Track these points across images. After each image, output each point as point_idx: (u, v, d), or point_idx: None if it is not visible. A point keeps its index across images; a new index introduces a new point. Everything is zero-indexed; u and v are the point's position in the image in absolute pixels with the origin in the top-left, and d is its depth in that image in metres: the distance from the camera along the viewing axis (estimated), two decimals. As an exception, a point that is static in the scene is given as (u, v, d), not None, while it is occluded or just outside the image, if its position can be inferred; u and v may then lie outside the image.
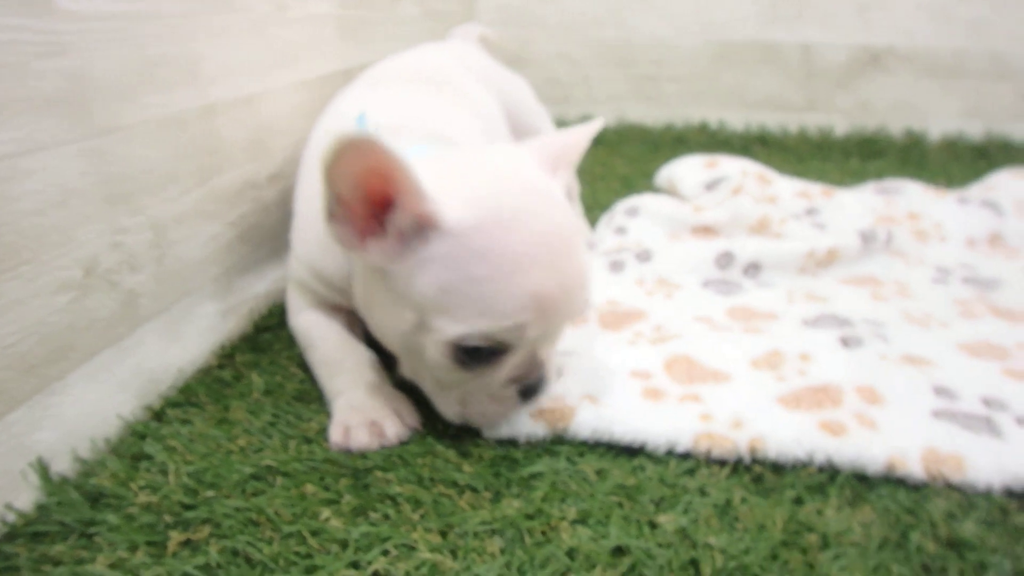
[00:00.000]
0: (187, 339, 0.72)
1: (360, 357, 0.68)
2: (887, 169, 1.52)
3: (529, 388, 0.59)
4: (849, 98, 1.77)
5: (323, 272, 0.69)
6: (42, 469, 0.56)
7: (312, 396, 0.69)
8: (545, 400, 0.64)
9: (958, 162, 1.57)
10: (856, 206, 1.15)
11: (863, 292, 0.89)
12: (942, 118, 1.74)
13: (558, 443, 0.62)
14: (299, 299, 0.74)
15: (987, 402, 0.64)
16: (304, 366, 0.74)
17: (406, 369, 0.63)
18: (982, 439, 0.59)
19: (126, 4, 0.60)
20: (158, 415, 0.67)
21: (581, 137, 0.63)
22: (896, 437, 0.59)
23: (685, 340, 0.76)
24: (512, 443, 0.62)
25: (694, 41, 1.77)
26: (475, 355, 0.55)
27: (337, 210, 0.52)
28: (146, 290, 0.66)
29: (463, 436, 0.63)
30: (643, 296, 0.88)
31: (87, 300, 0.60)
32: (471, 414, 0.60)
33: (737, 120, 1.79)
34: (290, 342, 0.79)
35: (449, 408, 0.61)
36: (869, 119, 1.76)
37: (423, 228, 0.52)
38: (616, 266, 0.96)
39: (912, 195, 1.21)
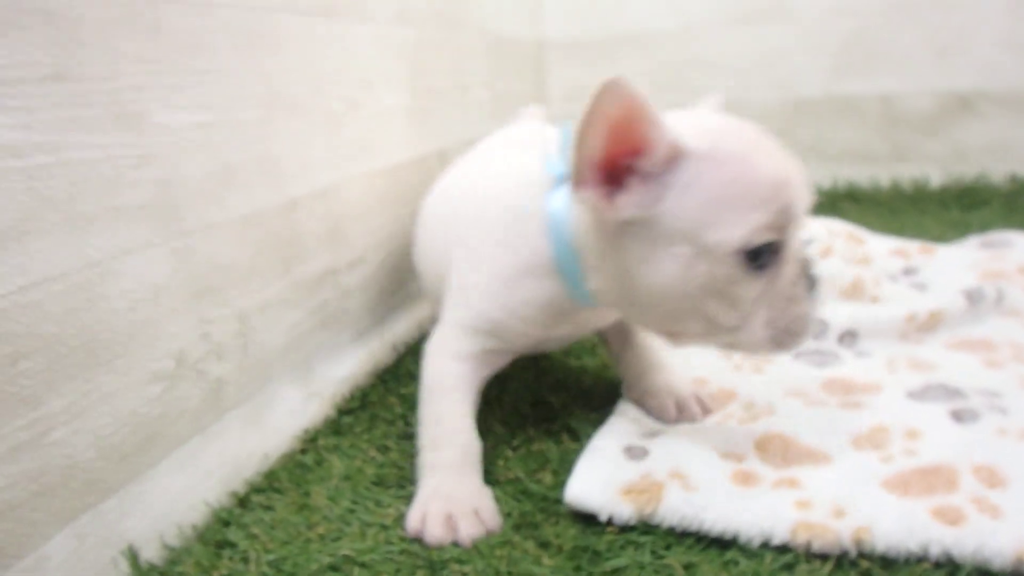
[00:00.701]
0: (270, 424, 0.73)
1: (469, 439, 0.67)
2: (992, 219, 1.42)
3: (811, 276, 0.60)
4: (941, 146, 1.68)
5: (506, 328, 0.69)
6: (132, 557, 0.57)
7: (391, 480, 0.69)
8: (631, 473, 0.62)
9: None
10: (959, 262, 1.08)
11: (974, 358, 0.82)
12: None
13: (644, 533, 0.59)
14: (460, 341, 0.70)
15: None
16: (383, 448, 0.74)
17: (685, 338, 0.62)
18: None
19: (210, 115, 0.65)
20: (242, 501, 0.67)
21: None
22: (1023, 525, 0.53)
23: (778, 417, 0.71)
24: (594, 530, 0.59)
25: (766, 98, 1.74)
26: (761, 256, 0.56)
27: (586, 173, 0.55)
28: (232, 378, 0.68)
29: (542, 523, 0.61)
30: (731, 371, 0.84)
31: (176, 390, 0.62)
32: (779, 331, 0.59)
33: (822, 175, 1.73)
34: (370, 424, 0.79)
35: (755, 336, 0.59)
36: (967, 167, 1.67)
37: (672, 162, 0.56)
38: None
39: (1022, 248, 1.13)
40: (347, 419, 0.81)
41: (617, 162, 0.56)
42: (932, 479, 0.59)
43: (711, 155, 0.56)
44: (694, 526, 0.58)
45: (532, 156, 0.70)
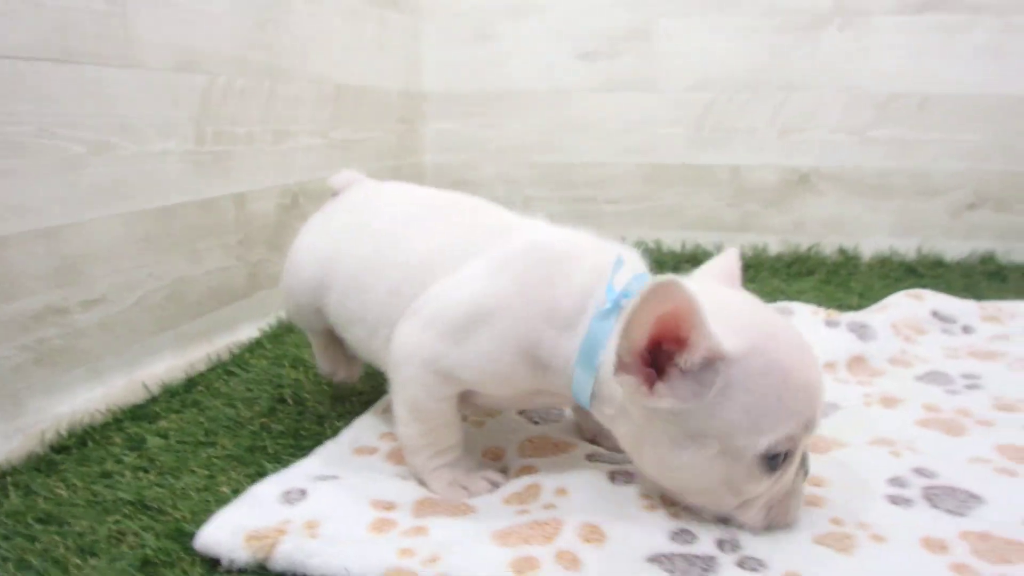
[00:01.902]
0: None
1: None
2: (810, 288, 1.48)
3: (807, 467, 0.64)
4: (782, 218, 1.76)
5: (498, 387, 0.69)
6: None
7: (56, 517, 0.70)
8: (267, 519, 0.63)
9: (886, 280, 1.52)
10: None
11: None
12: (874, 236, 1.71)
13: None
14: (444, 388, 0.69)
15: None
16: (74, 488, 0.75)
17: (693, 499, 0.63)
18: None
19: None
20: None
21: (735, 262, 0.71)
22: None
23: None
24: (221, 571, 0.61)
25: (628, 164, 1.81)
26: (777, 459, 0.59)
27: (628, 360, 0.57)
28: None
29: (177, 562, 0.62)
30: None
31: None
32: (776, 516, 0.63)
33: (674, 239, 1.80)
34: (79, 462, 0.80)
35: (756, 519, 0.62)
36: (803, 238, 1.74)
37: (711, 363, 0.56)
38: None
39: (799, 318, 1.18)
40: (58, 456, 0.82)
41: (660, 348, 0.57)
42: (534, 532, 0.62)
43: (750, 361, 0.57)
44: (300, 570, 0.60)
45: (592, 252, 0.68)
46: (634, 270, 0.67)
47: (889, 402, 0.90)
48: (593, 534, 0.61)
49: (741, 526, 0.63)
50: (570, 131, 1.83)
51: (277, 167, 1.26)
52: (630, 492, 0.69)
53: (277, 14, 1.23)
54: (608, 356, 0.61)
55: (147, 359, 1.00)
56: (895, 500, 0.68)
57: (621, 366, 0.58)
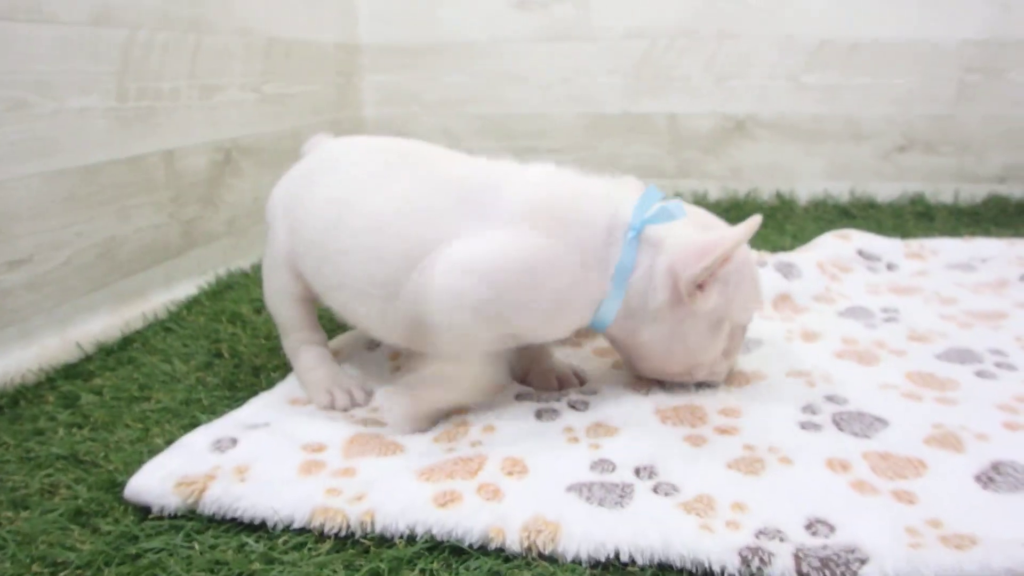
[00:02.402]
0: None
1: None
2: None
3: None
4: (720, 164, 1.79)
5: (548, 333, 0.74)
6: None
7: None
8: (198, 466, 0.64)
9: (820, 222, 1.57)
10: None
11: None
12: (809, 180, 1.75)
13: (189, 519, 0.62)
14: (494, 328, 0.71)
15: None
16: None
17: (680, 373, 0.78)
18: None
19: None
20: None
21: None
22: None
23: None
24: (151, 518, 0.62)
25: (568, 114, 1.81)
26: None
27: (706, 279, 0.71)
28: None
29: (110, 511, 0.63)
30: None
31: None
32: (723, 366, 0.79)
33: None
34: (11, 420, 0.80)
35: (723, 366, 0.79)
36: (741, 184, 1.78)
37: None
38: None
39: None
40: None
41: None
42: (458, 467, 0.64)
43: (739, 262, 0.74)
44: (229, 514, 0.61)
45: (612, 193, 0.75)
46: (638, 194, 0.75)
47: (809, 336, 0.95)
48: (516, 467, 0.64)
49: (711, 378, 0.79)
50: (509, 82, 1.82)
51: (207, 123, 1.23)
52: (554, 427, 0.72)
53: (200, -37, 1.20)
54: (639, 276, 0.72)
55: (80, 318, 0.99)
56: (805, 426, 0.72)
57: (698, 283, 0.71)
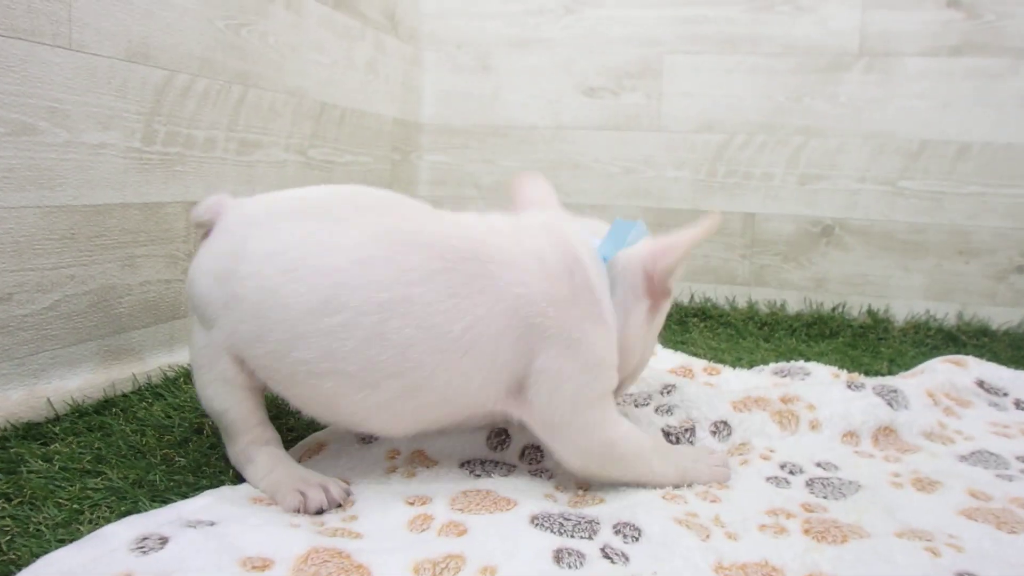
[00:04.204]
0: None
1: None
2: (832, 351, 1.32)
3: None
4: (802, 272, 1.60)
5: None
6: None
7: None
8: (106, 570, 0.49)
9: (922, 347, 1.35)
10: (732, 386, 0.97)
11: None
12: (906, 298, 1.54)
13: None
14: (613, 409, 0.72)
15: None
16: None
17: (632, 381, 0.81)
18: None
19: None
20: None
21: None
22: None
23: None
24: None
25: (631, 207, 1.68)
26: None
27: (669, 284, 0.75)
28: None
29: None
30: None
31: None
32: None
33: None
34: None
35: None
36: (826, 297, 1.58)
37: None
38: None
39: (815, 378, 1.02)
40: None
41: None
42: None
43: None
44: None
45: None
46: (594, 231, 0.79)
47: (924, 484, 0.73)
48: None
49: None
50: (570, 170, 1.72)
51: (241, 178, 1.15)
52: None
53: (252, 18, 1.15)
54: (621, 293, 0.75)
55: (57, 371, 0.87)
56: (927, 610, 0.51)
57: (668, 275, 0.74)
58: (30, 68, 0.80)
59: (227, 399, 0.71)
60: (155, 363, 1.00)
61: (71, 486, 0.69)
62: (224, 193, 0.77)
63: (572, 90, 1.71)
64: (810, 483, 0.73)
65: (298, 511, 0.64)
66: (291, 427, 0.87)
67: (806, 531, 0.62)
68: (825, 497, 0.70)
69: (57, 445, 0.78)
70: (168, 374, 1.01)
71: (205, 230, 0.75)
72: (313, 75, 1.32)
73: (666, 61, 1.64)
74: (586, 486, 0.71)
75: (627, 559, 0.56)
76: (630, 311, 0.73)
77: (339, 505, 0.65)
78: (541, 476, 0.73)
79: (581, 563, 0.55)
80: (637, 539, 0.59)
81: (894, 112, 1.53)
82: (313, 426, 0.86)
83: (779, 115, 1.59)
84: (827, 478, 0.74)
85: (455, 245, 0.67)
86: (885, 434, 0.85)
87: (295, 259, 0.66)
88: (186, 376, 1.01)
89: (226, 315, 0.69)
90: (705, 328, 1.48)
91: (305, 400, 0.70)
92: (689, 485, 0.71)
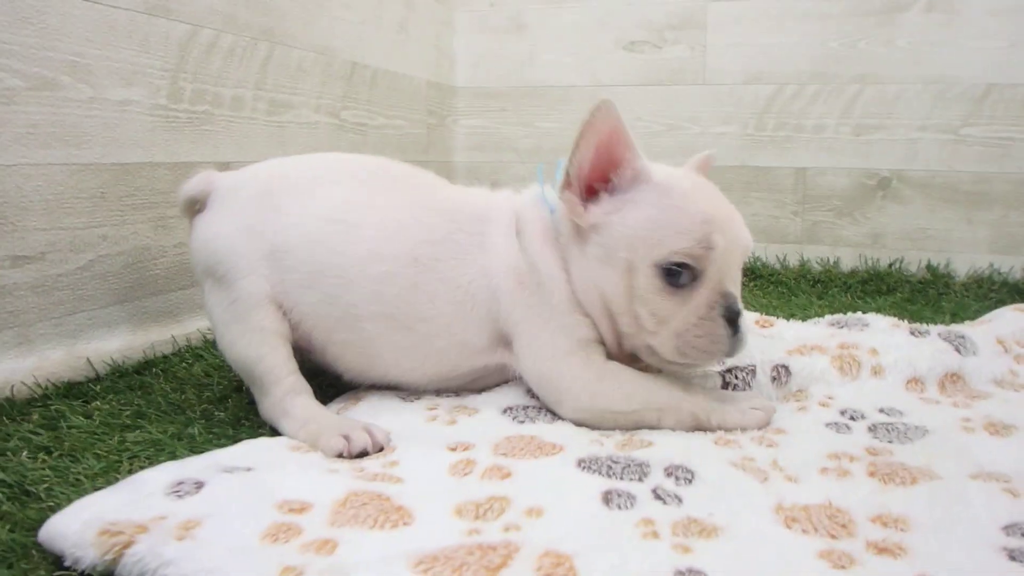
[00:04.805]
0: None
1: None
2: (889, 307, 1.26)
3: (731, 309, 0.66)
4: (857, 229, 1.53)
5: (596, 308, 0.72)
6: None
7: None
8: (138, 513, 0.47)
9: (985, 302, 1.28)
10: (787, 336, 0.92)
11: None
12: (969, 252, 1.45)
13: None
14: (591, 360, 0.71)
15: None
16: None
17: (628, 331, 0.70)
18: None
19: None
20: None
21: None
22: None
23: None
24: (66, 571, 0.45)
25: (676, 163, 1.62)
26: (678, 276, 0.66)
27: (573, 179, 0.68)
28: None
29: (31, 558, 0.47)
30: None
31: None
32: (685, 344, 0.67)
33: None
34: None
35: (667, 345, 0.67)
36: (883, 253, 1.51)
37: (634, 183, 0.68)
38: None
39: (874, 328, 0.96)
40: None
41: (597, 180, 0.69)
42: (473, 559, 0.44)
43: (661, 185, 0.68)
44: (151, 581, 0.44)
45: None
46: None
47: (998, 429, 0.68)
48: (559, 568, 0.43)
49: (662, 356, 0.68)
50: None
51: (272, 139, 1.13)
52: (626, 518, 0.50)
53: (277, -28, 1.13)
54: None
55: (96, 332, 0.87)
56: (1015, 555, 0.47)
57: (567, 185, 0.68)
58: (48, 19, 0.79)
59: (262, 347, 0.71)
60: (193, 325, 1.00)
61: (110, 439, 0.68)
62: (211, 168, 0.83)
63: (611, 46, 1.65)
64: (873, 428, 0.68)
65: (341, 455, 0.62)
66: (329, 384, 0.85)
67: (871, 473, 0.58)
68: (890, 441, 0.66)
69: (97, 402, 0.78)
70: (208, 336, 1.01)
71: (199, 205, 0.77)
72: (341, 33, 1.29)
73: (710, 10, 1.57)
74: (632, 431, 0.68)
75: (680, 500, 0.52)
76: (571, 254, 0.71)
77: (381, 449, 0.63)
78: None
79: (631, 504, 0.52)
80: (690, 481, 0.55)
81: (957, 55, 1.43)
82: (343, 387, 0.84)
83: (832, 63, 1.51)
84: (891, 423, 0.69)
85: (464, 210, 0.76)
86: (952, 381, 0.80)
87: (340, 214, 0.74)
88: (225, 338, 1.00)
89: (268, 265, 0.73)
90: (755, 287, 1.42)
91: (346, 346, 0.74)
92: (728, 429, 0.67)
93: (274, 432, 0.71)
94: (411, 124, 1.55)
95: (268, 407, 0.71)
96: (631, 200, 0.67)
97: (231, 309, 0.72)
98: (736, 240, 0.68)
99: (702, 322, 0.66)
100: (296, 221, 0.73)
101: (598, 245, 0.68)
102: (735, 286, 0.68)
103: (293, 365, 0.72)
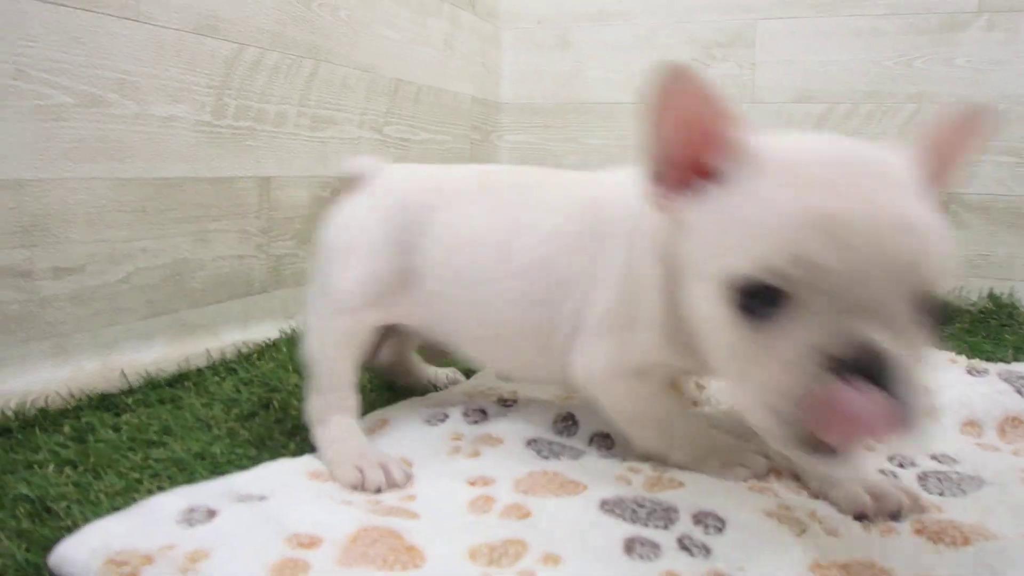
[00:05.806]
0: None
1: None
2: (948, 338, 1.19)
3: (843, 363, 0.42)
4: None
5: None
6: None
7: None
8: (149, 542, 0.47)
9: (1051, 337, 1.20)
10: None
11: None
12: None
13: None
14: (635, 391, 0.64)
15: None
16: None
17: (734, 387, 0.49)
18: None
19: None
20: None
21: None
22: None
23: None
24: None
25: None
26: (757, 301, 0.44)
27: (663, 167, 0.51)
28: None
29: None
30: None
31: None
32: (767, 408, 0.44)
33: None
34: (9, 448, 0.68)
35: (747, 402, 0.46)
36: (940, 280, 1.43)
37: (738, 164, 0.49)
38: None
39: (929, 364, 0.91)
40: (-5, 439, 0.71)
41: (689, 166, 0.50)
42: None
43: (768, 164, 0.47)
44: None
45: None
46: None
47: (1060, 482, 0.63)
48: None
49: (757, 426, 0.45)
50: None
51: (313, 155, 1.14)
52: (650, 570, 0.47)
53: (323, -9, 1.14)
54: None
55: (132, 344, 0.88)
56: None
57: (656, 176, 0.52)
58: (99, 39, 0.81)
59: (336, 348, 0.71)
60: (229, 339, 1.01)
61: (135, 455, 0.68)
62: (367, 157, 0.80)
63: (657, 63, 1.62)
64: (923, 477, 0.64)
65: (355, 488, 0.61)
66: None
67: (918, 531, 0.54)
68: (941, 494, 0.61)
69: (127, 416, 0.78)
70: (242, 350, 1.01)
71: (349, 185, 0.77)
72: (386, 51, 1.30)
73: (759, 27, 1.53)
74: (662, 467, 0.65)
75: (708, 552, 0.49)
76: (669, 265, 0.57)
77: (397, 485, 0.62)
78: (613, 458, 0.67)
79: (656, 555, 0.49)
80: (721, 530, 0.52)
81: (1019, 74, 1.36)
82: (376, 403, 0.84)
83: (887, 81, 1.45)
84: (943, 472, 0.65)
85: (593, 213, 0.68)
86: (1014, 425, 0.74)
87: (484, 236, 0.70)
88: (260, 352, 1.01)
89: (399, 277, 0.71)
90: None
91: (482, 349, 0.74)
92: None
93: (296, 451, 0.70)
94: (455, 139, 1.55)
95: (312, 407, 0.71)
96: (724, 190, 0.49)
97: (329, 298, 0.72)
98: (876, 254, 0.42)
99: (789, 374, 0.43)
100: (441, 236, 0.71)
101: (682, 254, 0.52)
102: (882, 323, 0.43)
103: (351, 379, 0.71)
